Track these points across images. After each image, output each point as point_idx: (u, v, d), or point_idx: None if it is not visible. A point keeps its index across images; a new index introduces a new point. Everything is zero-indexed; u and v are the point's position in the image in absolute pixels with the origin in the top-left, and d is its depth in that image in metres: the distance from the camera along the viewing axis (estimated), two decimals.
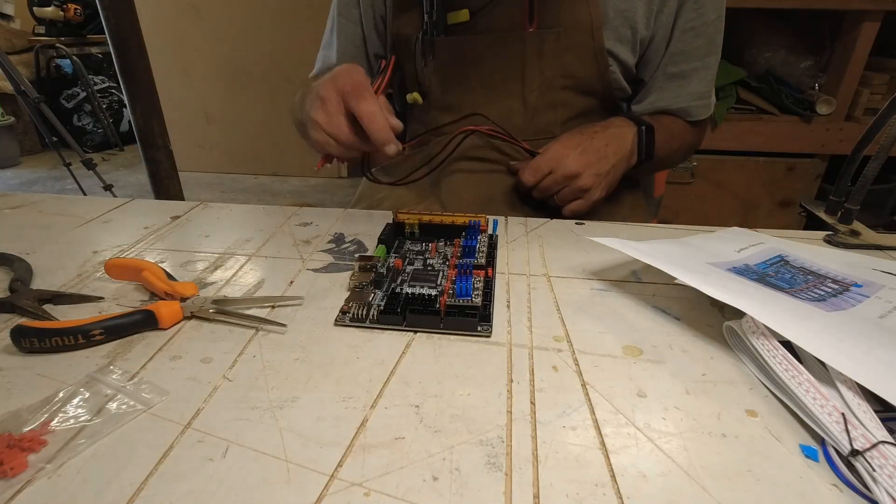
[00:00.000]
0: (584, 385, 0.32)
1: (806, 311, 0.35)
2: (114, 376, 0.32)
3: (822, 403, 0.28)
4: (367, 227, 0.54)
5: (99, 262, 0.46)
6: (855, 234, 0.52)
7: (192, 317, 0.38)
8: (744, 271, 0.41)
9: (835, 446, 0.27)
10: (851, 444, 0.26)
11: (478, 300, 0.38)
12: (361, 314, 0.37)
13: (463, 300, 0.38)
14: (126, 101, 1.48)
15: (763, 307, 0.34)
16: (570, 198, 0.59)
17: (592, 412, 0.30)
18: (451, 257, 0.45)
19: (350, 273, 0.44)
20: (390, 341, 0.36)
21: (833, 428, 0.27)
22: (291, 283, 0.43)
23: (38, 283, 0.43)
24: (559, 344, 0.35)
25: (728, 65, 1.53)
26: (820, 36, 1.53)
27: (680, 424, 0.29)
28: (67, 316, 0.38)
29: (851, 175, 0.54)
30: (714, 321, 0.38)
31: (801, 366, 0.30)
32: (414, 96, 0.68)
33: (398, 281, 0.43)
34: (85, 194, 1.67)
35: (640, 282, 0.43)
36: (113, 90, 3.04)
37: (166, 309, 0.37)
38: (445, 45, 0.64)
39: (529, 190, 0.61)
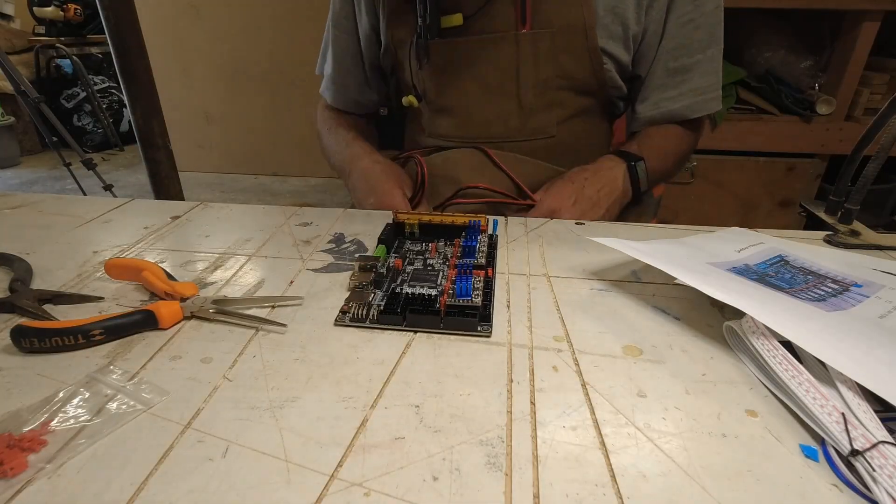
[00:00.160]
0: (584, 385, 0.32)
1: (806, 311, 0.35)
2: (114, 376, 0.32)
3: (822, 403, 0.28)
4: (367, 227, 0.54)
5: (99, 262, 0.46)
6: (855, 234, 0.52)
7: (192, 317, 0.38)
8: (744, 271, 0.41)
9: (835, 446, 0.27)
10: (851, 444, 0.26)
11: (478, 300, 0.38)
12: (361, 314, 0.37)
13: (463, 300, 0.38)
14: (126, 101, 1.48)
15: (763, 307, 0.34)
16: None
17: (592, 412, 0.30)
18: (451, 257, 0.45)
19: (350, 273, 0.44)
20: (390, 341, 0.36)
21: (833, 428, 0.27)
22: (291, 283, 0.43)
23: (38, 283, 0.43)
24: (559, 344, 0.35)
25: (728, 65, 1.53)
26: (820, 36, 1.53)
27: (680, 424, 0.29)
28: (67, 316, 0.38)
29: (851, 175, 0.54)
30: (714, 321, 0.38)
31: (801, 366, 0.30)
32: (409, 99, 0.68)
33: (398, 281, 0.43)
34: (85, 194, 1.67)
35: (640, 282, 0.43)
36: (113, 90, 3.04)
37: (166, 309, 0.37)
38: (440, 49, 0.64)
39: None
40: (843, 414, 0.27)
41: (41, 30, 2.94)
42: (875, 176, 0.51)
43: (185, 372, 0.33)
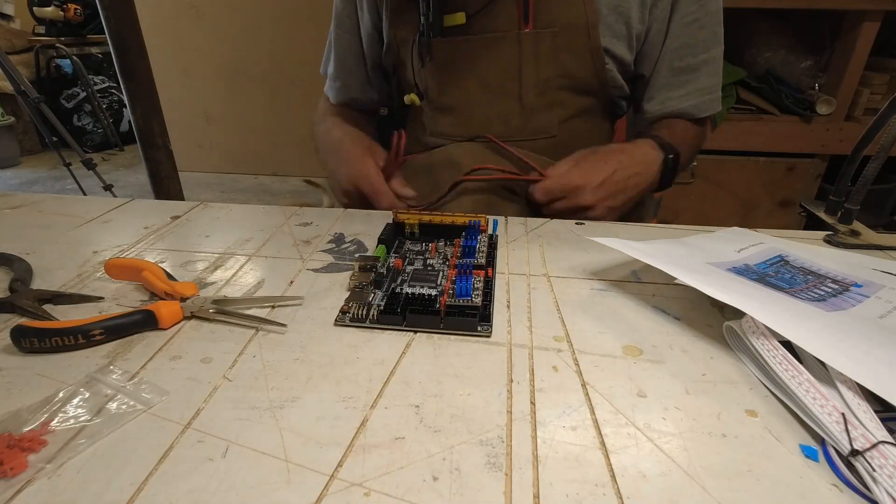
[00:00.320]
0: (584, 385, 0.32)
1: (806, 311, 0.35)
2: (114, 376, 0.32)
3: (822, 403, 0.28)
4: (367, 227, 0.54)
5: (99, 262, 0.46)
6: (855, 234, 0.52)
7: (192, 317, 0.38)
8: (744, 271, 0.41)
9: (835, 446, 0.27)
10: (851, 444, 0.26)
11: (478, 300, 0.38)
12: (361, 314, 0.37)
13: (463, 300, 0.38)
14: (126, 101, 1.48)
15: (763, 307, 0.34)
16: (574, 216, 0.58)
17: (592, 412, 0.30)
18: (451, 257, 0.45)
19: (350, 273, 0.44)
20: (390, 341, 0.36)
21: (833, 428, 0.27)
22: (291, 283, 0.43)
23: (38, 283, 0.43)
24: (559, 344, 0.35)
25: (728, 65, 1.53)
26: (820, 36, 1.53)
27: (680, 424, 0.29)
28: (67, 316, 0.38)
29: (851, 175, 0.54)
30: (714, 321, 0.38)
31: (801, 366, 0.30)
32: (412, 97, 0.68)
33: (398, 281, 0.43)
34: (85, 194, 1.67)
35: (640, 282, 0.43)
36: (113, 90, 3.04)
37: (166, 309, 0.37)
38: (442, 47, 0.64)
39: (538, 205, 0.60)
40: (843, 414, 0.27)
41: (41, 30, 2.94)
42: (875, 176, 0.51)
43: (185, 372, 0.33)
